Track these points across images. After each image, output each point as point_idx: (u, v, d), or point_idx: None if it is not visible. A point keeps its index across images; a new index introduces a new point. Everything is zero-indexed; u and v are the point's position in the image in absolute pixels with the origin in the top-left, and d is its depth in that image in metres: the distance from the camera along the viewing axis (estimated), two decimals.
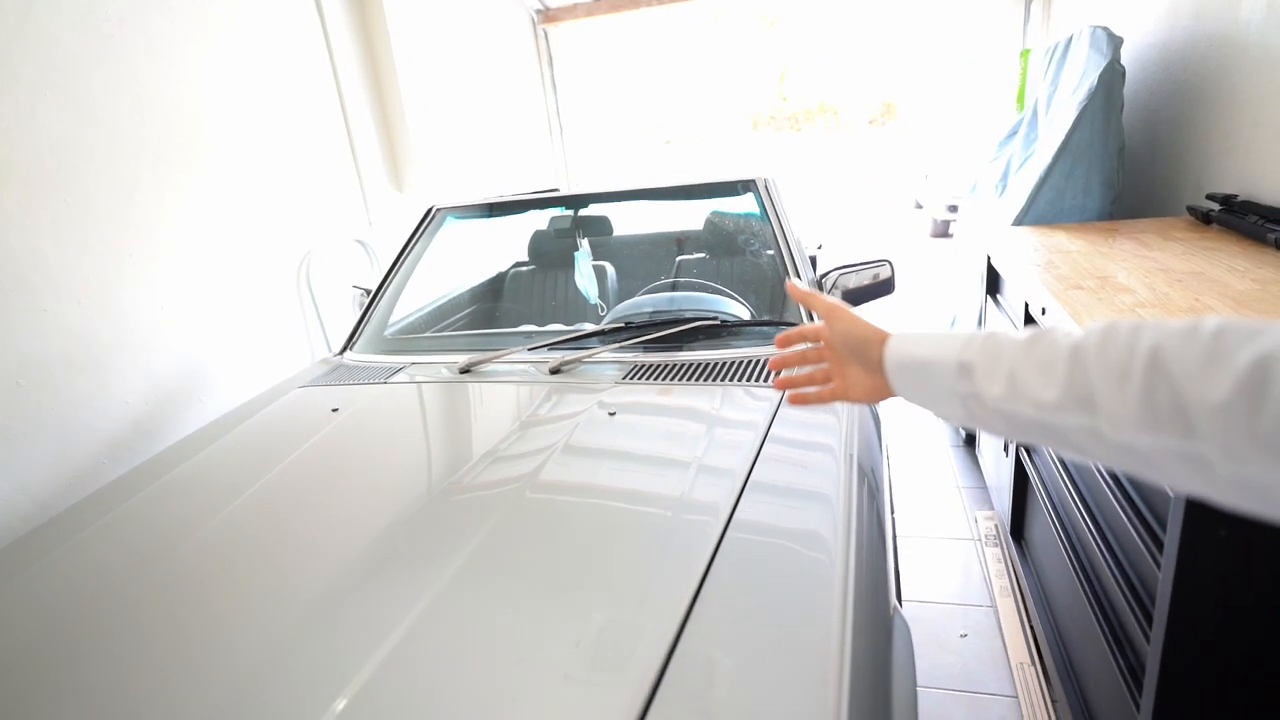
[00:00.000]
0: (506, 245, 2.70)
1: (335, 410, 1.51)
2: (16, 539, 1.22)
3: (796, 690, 0.71)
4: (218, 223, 2.26)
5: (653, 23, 4.64)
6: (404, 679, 0.76)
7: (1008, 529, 2.03)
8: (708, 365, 1.51)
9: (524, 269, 2.61)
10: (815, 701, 0.70)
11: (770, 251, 1.88)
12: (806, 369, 0.78)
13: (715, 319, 1.65)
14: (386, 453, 1.36)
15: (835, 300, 0.76)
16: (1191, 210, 1.99)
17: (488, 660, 0.78)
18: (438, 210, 2.24)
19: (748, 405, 1.33)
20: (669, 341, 1.62)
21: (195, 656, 0.85)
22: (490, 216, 2.33)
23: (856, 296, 1.76)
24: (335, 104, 2.82)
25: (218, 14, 2.27)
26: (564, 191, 2.44)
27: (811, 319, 1.63)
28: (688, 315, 1.71)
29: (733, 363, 1.51)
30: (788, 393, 0.80)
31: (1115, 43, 2.14)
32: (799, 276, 1.74)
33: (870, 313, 1.98)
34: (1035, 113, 2.60)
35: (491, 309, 2.49)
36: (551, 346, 1.67)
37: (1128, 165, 2.31)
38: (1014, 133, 2.77)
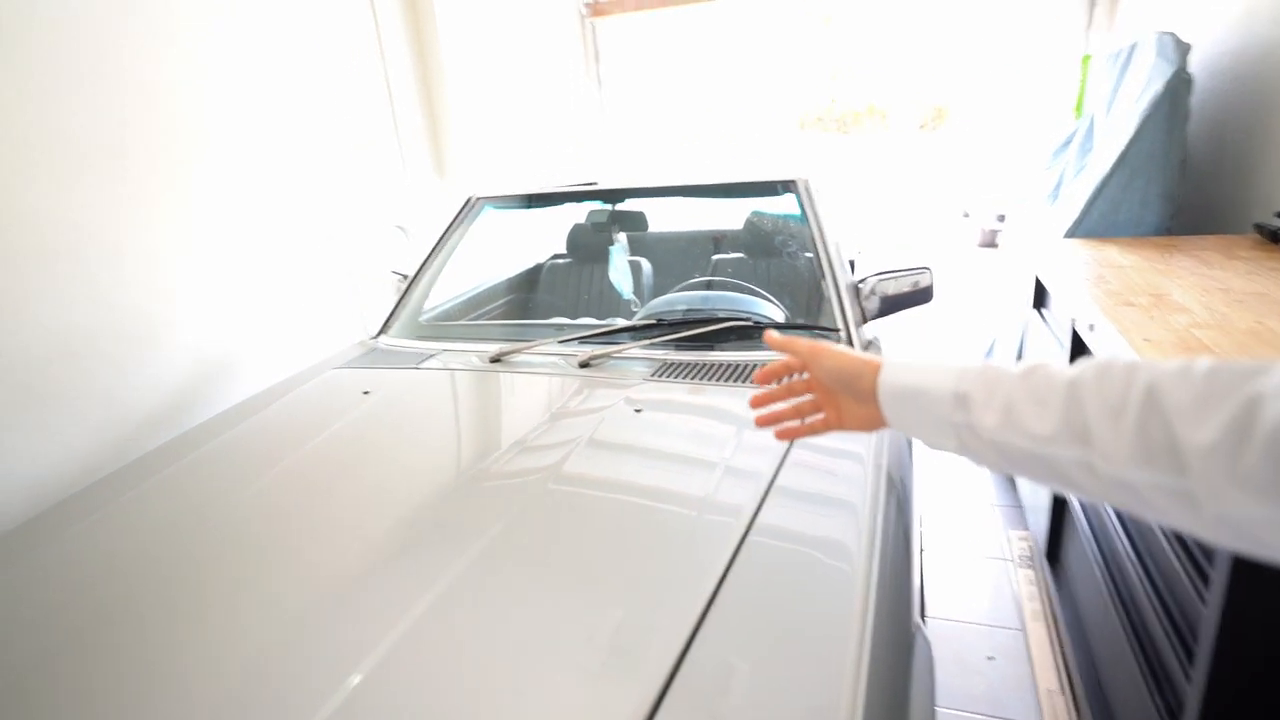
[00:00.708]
0: (545, 237, 2.70)
1: (366, 393, 1.52)
2: (57, 502, 1.25)
3: (808, 701, 0.70)
4: (266, 203, 2.30)
5: (703, 18, 4.60)
6: (413, 664, 0.76)
7: (1043, 551, 1.97)
8: (738, 366, 1.49)
9: (561, 261, 2.61)
10: (827, 715, 0.68)
11: (808, 254, 1.85)
12: (792, 402, 0.77)
13: (748, 320, 1.63)
14: (413, 437, 1.37)
15: (815, 340, 0.75)
16: (1259, 228, 1.89)
17: (498, 649, 0.77)
18: (476, 199, 2.25)
19: None
20: (700, 340, 1.60)
21: (213, 630, 0.86)
22: (528, 208, 2.33)
23: (894, 303, 1.72)
24: (383, 90, 2.86)
25: None
26: (606, 185, 2.43)
27: (847, 330, 1.59)
28: (720, 315, 1.69)
29: (764, 364, 1.48)
30: (775, 428, 0.78)
31: (1183, 50, 2.05)
32: (836, 280, 1.70)
33: (909, 322, 1.92)
34: (1093, 121, 2.51)
35: (526, 300, 2.50)
36: (582, 340, 1.66)
37: (1190, 179, 2.21)
38: (1070, 141, 2.67)
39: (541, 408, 1.44)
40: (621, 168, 4.94)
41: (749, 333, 1.61)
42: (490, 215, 2.29)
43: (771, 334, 0.78)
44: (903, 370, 0.65)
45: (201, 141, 2.08)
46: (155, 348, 1.94)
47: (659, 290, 2.22)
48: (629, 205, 2.31)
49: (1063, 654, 1.72)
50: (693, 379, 1.44)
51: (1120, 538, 1.32)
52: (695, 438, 1.25)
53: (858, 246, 2.70)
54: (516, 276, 2.61)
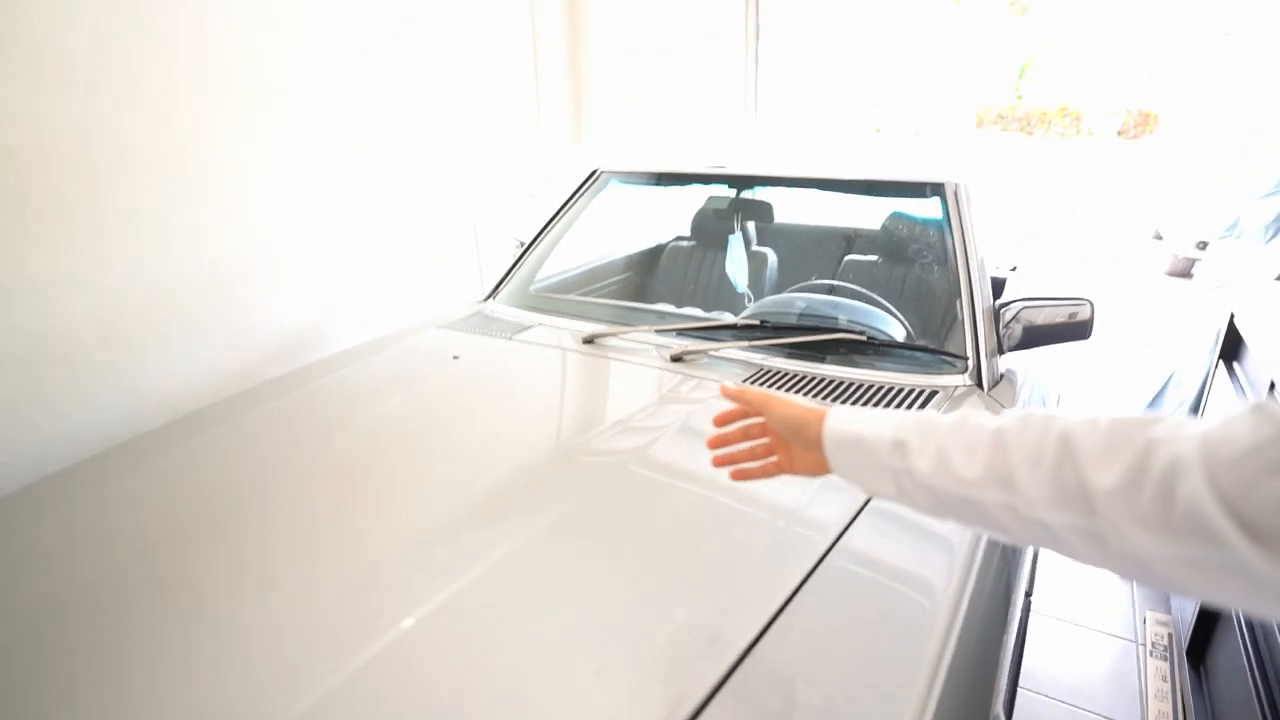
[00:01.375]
0: (671, 217, 2.63)
1: (456, 358, 1.53)
2: (172, 420, 1.35)
3: None
4: (402, 158, 2.39)
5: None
6: (455, 629, 0.77)
7: (1183, 644, 1.68)
8: (844, 384, 1.35)
9: (684, 244, 2.52)
10: None
11: (947, 269, 1.65)
12: (746, 445, 0.80)
13: (862, 334, 1.47)
14: (488, 409, 1.37)
15: (767, 390, 0.79)
16: None
17: (543, 626, 0.78)
18: (601, 172, 2.21)
19: None
20: (807, 350, 1.47)
21: (239, 583, 0.89)
22: (653, 184, 2.26)
23: (1041, 335, 1.49)
24: (528, 53, 2.87)
25: None
26: (739, 168, 2.31)
27: (977, 360, 1.41)
28: (830, 324, 1.54)
29: (875, 386, 1.34)
30: (730, 469, 0.81)
31: None
32: (973, 302, 1.51)
33: (1067, 355, 1.68)
34: None
35: (639, 281, 2.44)
36: (679, 332, 1.58)
37: None
38: None
39: (621, 397, 1.39)
40: (770, 152, 4.74)
41: (863, 348, 1.47)
42: (615, 189, 2.25)
43: (725, 385, 0.81)
44: (846, 419, 0.70)
45: (348, 93, 2.18)
46: (285, 288, 2.07)
47: (782, 286, 2.09)
48: (757, 194, 2.18)
49: None
50: (792, 390, 1.32)
51: None
52: None
53: (1013, 262, 2.41)
54: (636, 255, 2.55)
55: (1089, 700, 1.69)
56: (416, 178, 2.46)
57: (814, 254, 2.29)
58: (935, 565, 0.90)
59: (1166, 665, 1.77)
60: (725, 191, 2.22)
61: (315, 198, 2.13)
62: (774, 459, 0.78)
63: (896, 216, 2.04)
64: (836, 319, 1.59)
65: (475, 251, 2.71)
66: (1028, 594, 1.44)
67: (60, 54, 1.51)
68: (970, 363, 1.41)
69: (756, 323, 1.56)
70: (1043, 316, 1.49)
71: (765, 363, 1.45)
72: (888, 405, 1.27)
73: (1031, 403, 1.60)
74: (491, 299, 1.96)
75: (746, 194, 2.18)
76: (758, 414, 0.79)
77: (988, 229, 1.83)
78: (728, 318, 1.64)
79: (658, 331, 1.59)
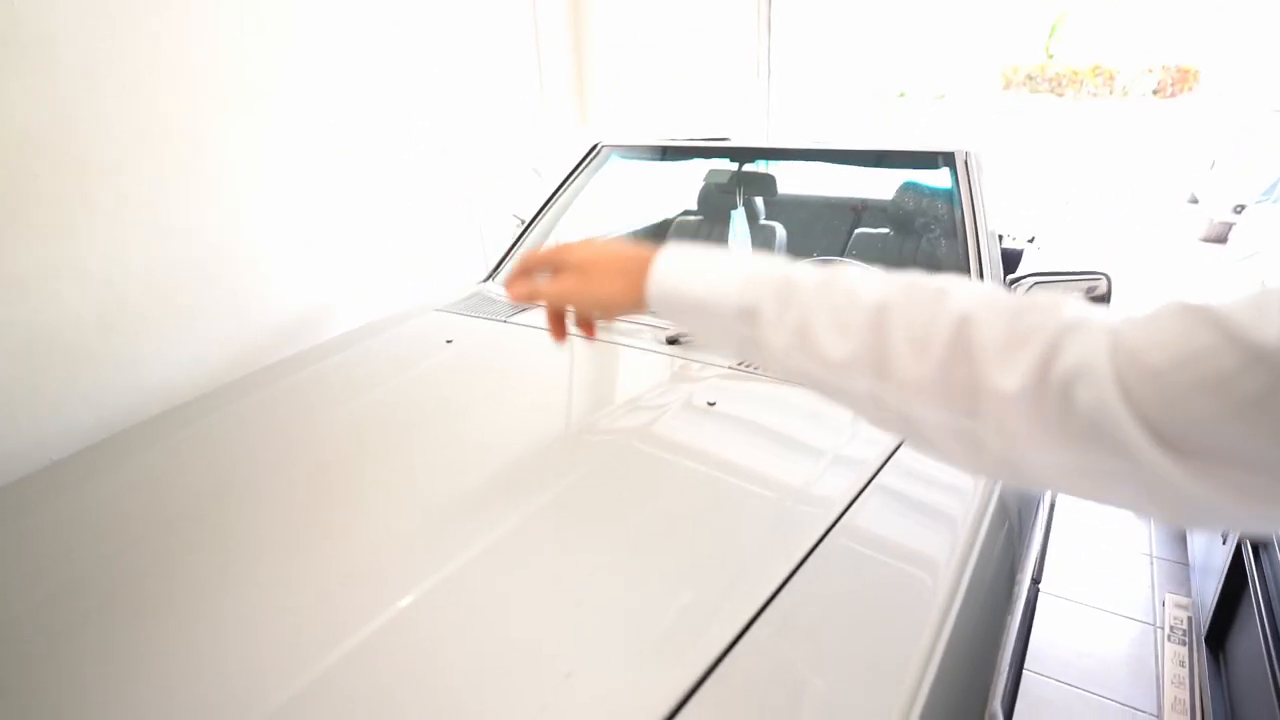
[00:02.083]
0: (675, 192, 2.57)
1: (449, 342, 1.51)
2: (169, 408, 1.35)
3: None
4: (402, 138, 2.35)
5: None
6: (450, 608, 0.77)
7: (1203, 629, 1.62)
8: None
9: (690, 219, 2.47)
10: None
11: (956, 242, 1.58)
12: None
13: None
14: (481, 392, 1.35)
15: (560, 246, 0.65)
16: None
17: (536, 603, 0.78)
18: (602, 147, 2.16)
19: None
20: None
21: (228, 568, 0.89)
22: (655, 159, 2.20)
23: None
24: (530, 30, 2.80)
25: None
26: (742, 140, 2.24)
27: None
28: None
29: None
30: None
31: None
32: (982, 274, 1.45)
33: None
34: None
35: None
36: None
37: None
38: None
39: (615, 379, 1.36)
40: (784, 124, 4.62)
41: None
42: (616, 164, 2.19)
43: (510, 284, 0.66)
44: (679, 271, 0.56)
45: (345, 71, 2.14)
46: (284, 274, 2.06)
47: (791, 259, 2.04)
48: (762, 167, 2.11)
49: None
50: None
51: None
52: (777, 428, 1.16)
53: (1030, 233, 2.32)
54: (641, 230, 2.50)
55: (1102, 685, 1.65)
56: (419, 160, 2.42)
57: (823, 227, 2.22)
58: (937, 545, 0.89)
59: (1185, 650, 1.71)
60: (730, 165, 2.15)
61: (314, 183, 2.10)
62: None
63: (907, 187, 1.96)
64: None
65: (478, 232, 2.68)
66: (1035, 580, 1.40)
67: (46, 39, 1.49)
68: None
69: None
70: (1057, 293, 1.43)
71: None
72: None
73: None
74: (491, 280, 1.93)
75: (751, 167, 2.12)
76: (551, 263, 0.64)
77: (1007, 198, 1.75)
78: None
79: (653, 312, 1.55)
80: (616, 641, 0.74)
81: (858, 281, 0.49)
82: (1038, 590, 1.58)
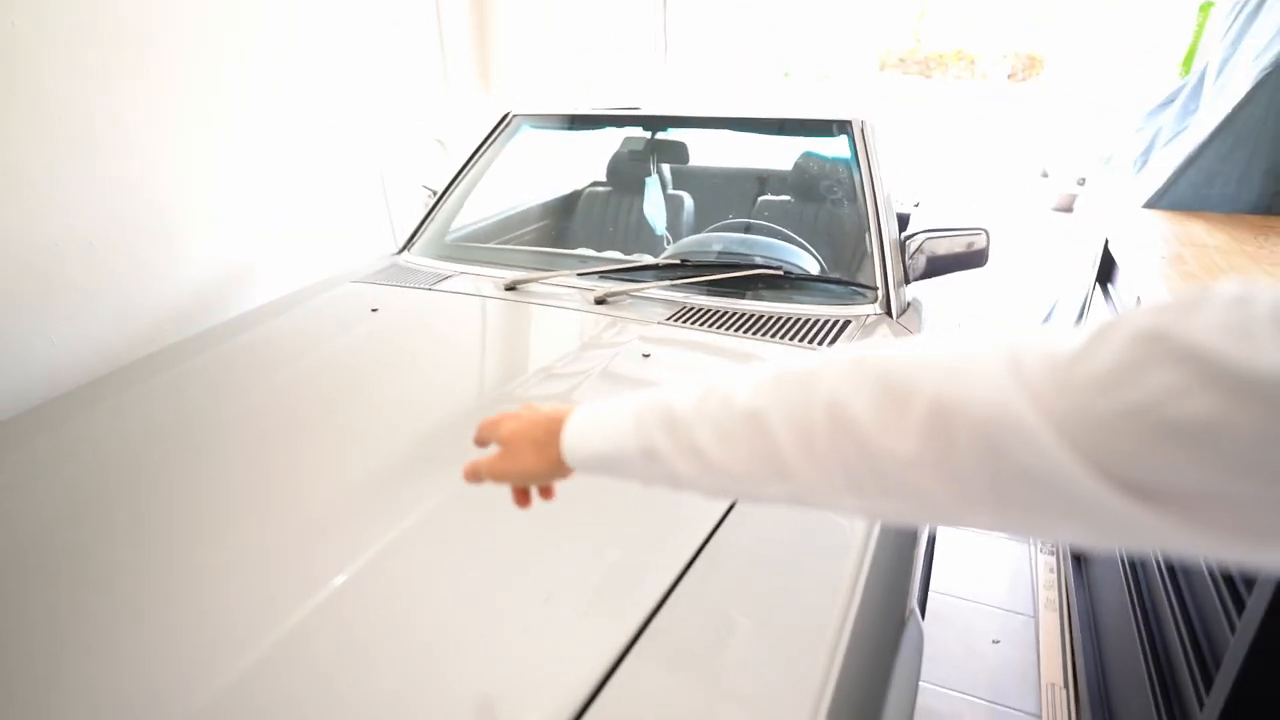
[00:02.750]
0: (587, 162, 2.59)
1: (375, 310, 1.49)
2: (67, 391, 1.26)
3: (785, 652, 0.71)
4: (300, 105, 2.24)
5: None
6: (389, 586, 0.77)
7: None
8: (764, 318, 1.40)
9: (600, 189, 2.50)
10: (802, 670, 0.69)
11: (856, 204, 1.71)
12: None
13: (779, 269, 1.52)
14: (411, 359, 1.35)
15: (487, 421, 0.65)
16: None
17: (473, 579, 0.79)
18: (514, 116, 2.15)
19: None
20: (727, 286, 1.51)
21: (189, 535, 0.87)
22: (568, 128, 2.22)
23: (943, 265, 1.59)
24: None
25: None
26: (653, 109, 2.29)
27: (886, 290, 1.48)
28: (748, 260, 1.59)
29: (791, 319, 1.39)
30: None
31: None
32: (881, 235, 1.58)
33: (966, 284, 1.77)
34: (1202, 79, 2.24)
35: (558, 227, 2.42)
36: (602, 275, 1.59)
37: None
38: (1170, 100, 2.41)
39: (547, 341, 1.39)
40: (679, 94, 4.71)
41: (779, 282, 1.52)
42: (528, 134, 2.20)
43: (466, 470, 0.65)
44: (584, 437, 0.56)
45: (232, 38, 2.02)
46: (178, 245, 1.93)
47: (699, 228, 2.12)
48: (671, 135, 2.18)
49: (1071, 649, 1.64)
50: (713, 327, 1.36)
51: None
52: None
53: (916, 197, 2.52)
54: (553, 201, 2.52)
55: (990, 596, 1.87)
56: (320, 130, 2.32)
57: (729, 195, 2.32)
58: None
59: (1054, 559, 1.97)
60: (640, 134, 2.21)
61: (218, 152, 1.98)
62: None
63: (807, 155, 2.09)
64: (754, 256, 1.63)
65: (385, 203, 2.60)
66: None
67: None
68: (880, 292, 1.48)
69: (678, 262, 1.58)
70: (944, 246, 1.59)
71: (686, 300, 1.48)
72: (806, 337, 1.33)
73: (936, 328, 1.70)
74: (407, 250, 1.90)
75: (661, 135, 2.18)
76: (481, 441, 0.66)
77: (894, 166, 1.90)
78: (649, 259, 1.66)
79: (580, 275, 1.59)
80: (566, 593, 0.76)
81: (729, 390, 0.47)
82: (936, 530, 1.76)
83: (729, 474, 0.46)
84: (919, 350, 0.39)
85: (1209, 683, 0.88)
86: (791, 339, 1.31)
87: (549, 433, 0.58)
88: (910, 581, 0.99)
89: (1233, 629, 0.83)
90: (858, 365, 0.41)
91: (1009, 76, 14.34)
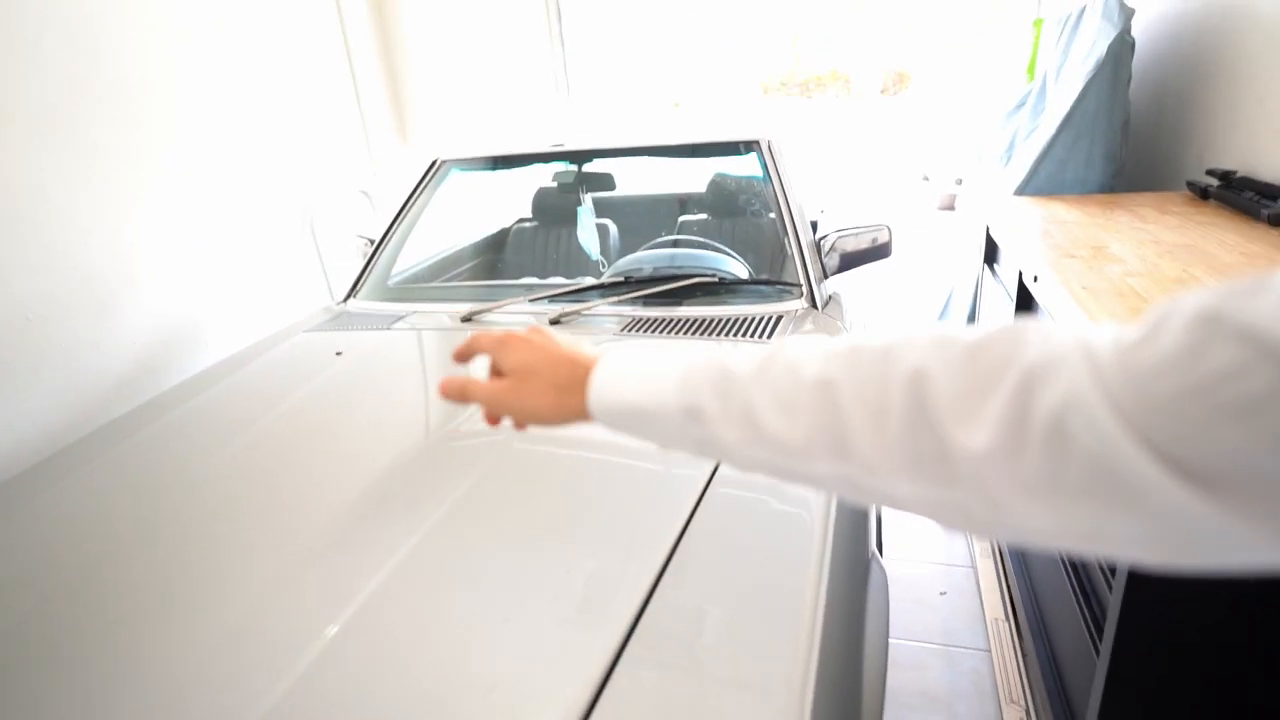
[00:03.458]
0: (511, 201, 2.71)
1: (339, 354, 1.54)
2: (20, 472, 1.24)
3: (769, 630, 0.75)
4: (224, 167, 2.27)
5: None
6: (387, 619, 0.78)
7: None
8: (705, 321, 1.54)
9: (527, 225, 2.62)
10: (787, 640, 0.73)
11: (771, 213, 1.90)
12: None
13: (714, 276, 1.68)
14: (386, 396, 1.40)
15: (505, 333, 0.63)
16: (1191, 185, 2.00)
17: (467, 603, 0.80)
18: (442, 162, 2.25)
19: None
20: (667, 297, 1.65)
21: (185, 594, 0.88)
22: (495, 169, 2.34)
23: (854, 259, 1.79)
24: (342, 54, 2.80)
25: None
26: (576, 144, 2.44)
27: (809, 285, 1.66)
28: (686, 272, 1.74)
29: (729, 319, 1.54)
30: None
31: (1126, 14, 2.13)
32: (798, 238, 1.76)
33: (869, 280, 1.98)
34: (1045, 83, 2.59)
35: (494, 262, 2.52)
36: (551, 299, 1.70)
37: (1132, 139, 2.31)
38: (1023, 103, 2.76)
39: None
40: (587, 131, 4.90)
41: (714, 289, 1.67)
42: (456, 178, 2.30)
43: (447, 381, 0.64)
44: (616, 383, 0.53)
45: (153, 102, 2.04)
46: (117, 314, 1.92)
47: (626, 251, 2.26)
48: (596, 166, 2.33)
49: (1008, 585, 1.84)
50: (660, 334, 1.50)
51: None
52: None
53: (820, 207, 2.76)
54: (483, 241, 2.62)
55: (933, 555, 2.07)
56: (248, 190, 2.34)
57: (651, 219, 2.48)
58: None
59: None
60: (569, 167, 2.34)
61: (140, 220, 1.98)
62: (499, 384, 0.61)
63: (720, 175, 2.28)
64: (689, 267, 1.79)
65: (317, 256, 2.63)
66: None
67: None
68: (804, 289, 1.66)
69: (622, 280, 1.72)
70: (853, 243, 1.79)
71: (635, 313, 1.61)
72: (743, 334, 1.48)
73: (856, 319, 1.89)
74: (352, 298, 1.96)
75: (587, 168, 2.32)
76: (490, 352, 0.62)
77: (799, 177, 2.11)
78: (593, 280, 1.78)
79: (532, 300, 1.70)
80: (548, 614, 0.77)
81: (797, 357, 0.45)
82: None
83: (781, 447, 0.44)
84: (1004, 333, 0.37)
85: (1113, 569, 1.06)
86: (735, 336, 1.46)
87: (574, 378, 0.55)
88: (869, 529, 1.13)
89: None
90: (941, 344, 0.39)
91: (881, 91, 15.42)
